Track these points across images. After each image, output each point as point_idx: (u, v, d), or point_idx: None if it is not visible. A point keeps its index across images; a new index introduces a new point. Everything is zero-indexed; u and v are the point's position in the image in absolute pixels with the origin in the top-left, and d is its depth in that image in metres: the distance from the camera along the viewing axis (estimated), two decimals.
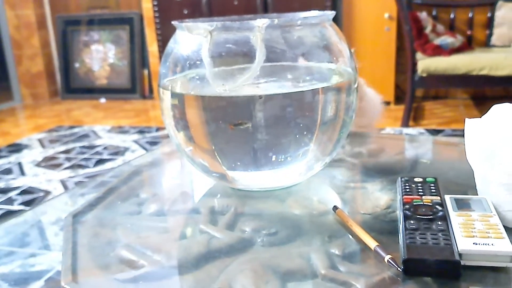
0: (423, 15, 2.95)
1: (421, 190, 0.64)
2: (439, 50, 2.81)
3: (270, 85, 0.67)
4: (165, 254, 0.59)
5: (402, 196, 0.63)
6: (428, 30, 2.91)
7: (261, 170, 0.68)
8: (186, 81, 0.66)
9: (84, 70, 4.27)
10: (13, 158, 2.70)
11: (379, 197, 0.70)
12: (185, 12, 3.51)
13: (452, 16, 3.20)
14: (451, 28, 3.17)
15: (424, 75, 2.78)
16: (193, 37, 0.66)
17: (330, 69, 0.71)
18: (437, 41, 2.87)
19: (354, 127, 1.03)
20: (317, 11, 0.76)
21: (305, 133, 0.66)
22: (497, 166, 0.57)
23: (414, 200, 0.61)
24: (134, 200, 0.76)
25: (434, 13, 3.19)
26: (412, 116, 3.10)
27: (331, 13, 0.70)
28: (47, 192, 2.16)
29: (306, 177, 0.74)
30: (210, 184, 0.79)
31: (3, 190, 2.21)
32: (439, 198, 0.61)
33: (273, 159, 0.66)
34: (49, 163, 2.57)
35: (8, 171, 2.47)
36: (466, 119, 0.62)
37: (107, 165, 2.47)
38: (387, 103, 3.43)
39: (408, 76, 2.86)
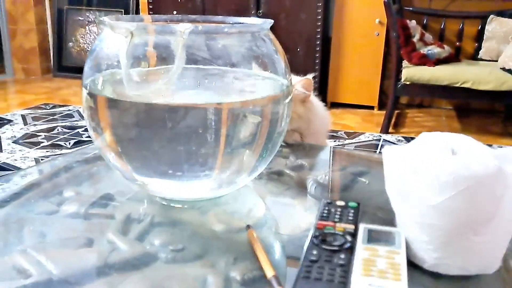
0: (412, 23, 2.92)
1: (338, 216, 0.61)
2: (425, 60, 2.78)
3: (188, 94, 0.64)
4: (58, 264, 0.56)
5: (317, 221, 0.60)
6: (416, 38, 2.88)
7: (180, 180, 0.65)
8: (103, 82, 0.63)
9: (77, 50, 4.22)
10: None
11: (302, 218, 0.68)
12: (179, 0, 3.46)
13: (442, 26, 3.17)
14: (441, 38, 3.14)
15: (408, 83, 2.76)
16: (116, 36, 0.62)
17: (257, 81, 0.68)
18: (424, 50, 2.84)
19: (299, 140, 1.00)
20: (257, 18, 0.72)
21: (223, 146, 0.63)
22: (411, 202, 0.54)
23: (327, 227, 0.58)
24: (56, 198, 0.73)
25: (425, 21, 3.16)
26: (393, 123, 3.09)
27: (267, 22, 0.66)
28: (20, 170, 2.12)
29: (228, 190, 0.71)
30: (135, 190, 0.76)
31: None
32: (353, 227, 0.58)
33: (189, 169, 0.63)
34: (28, 140, 2.54)
35: None
36: (385, 147, 0.59)
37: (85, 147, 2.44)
38: (371, 107, 3.41)
39: (392, 83, 2.84)
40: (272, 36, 0.69)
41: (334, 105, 3.48)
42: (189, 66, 0.62)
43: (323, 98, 3.47)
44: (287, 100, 0.68)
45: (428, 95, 3.06)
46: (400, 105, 3.54)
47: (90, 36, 4.18)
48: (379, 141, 2.76)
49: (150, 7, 3.53)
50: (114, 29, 0.62)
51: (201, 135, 0.60)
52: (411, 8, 3.21)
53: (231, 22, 0.75)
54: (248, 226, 0.62)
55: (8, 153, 2.34)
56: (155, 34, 0.60)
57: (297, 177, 0.83)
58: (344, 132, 2.91)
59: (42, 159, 2.25)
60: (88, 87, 0.64)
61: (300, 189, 0.78)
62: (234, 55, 0.63)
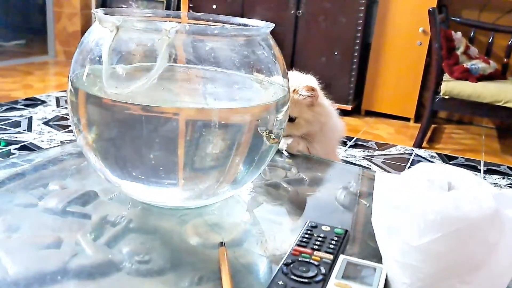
0: (457, 34, 2.79)
1: (319, 243, 0.56)
2: (467, 74, 2.65)
3: (167, 97, 0.60)
4: (16, 263, 0.53)
5: (294, 245, 0.55)
6: (460, 51, 2.75)
7: (154, 186, 0.62)
8: (86, 77, 0.60)
9: None
10: (26, 112, 2.72)
11: (286, 238, 0.63)
12: None
13: (490, 40, 3.02)
14: (487, 53, 2.99)
15: (446, 97, 2.64)
16: (103, 29, 0.59)
17: (243, 88, 0.63)
18: (467, 64, 2.71)
19: (305, 151, 0.95)
20: (259, 21, 0.67)
21: (201, 154, 0.59)
22: (394, 238, 0.48)
23: (303, 254, 0.53)
24: (39, 191, 0.71)
25: (472, 34, 3.02)
26: (428, 138, 2.97)
27: (265, 27, 0.62)
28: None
29: (210, 201, 0.67)
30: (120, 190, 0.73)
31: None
32: (332, 257, 0.53)
33: (162, 176, 0.60)
34: (57, 122, 2.58)
35: (16, 124, 2.49)
36: (377, 173, 0.54)
37: None
38: (407, 119, 3.29)
39: (430, 95, 2.73)
40: (271, 41, 0.64)
41: (368, 113, 3.39)
42: (177, 66, 0.58)
43: (358, 105, 3.38)
44: (284, 109, 0.64)
45: (467, 112, 2.92)
46: (438, 119, 3.41)
47: None
48: (411, 155, 2.66)
49: None
50: (102, 22, 0.59)
51: (176, 141, 0.56)
52: (458, 19, 3.07)
53: (234, 23, 0.70)
54: (221, 243, 0.58)
55: (36, 133, 2.38)
56: (141, 31, 0.57)
57: (293, 192, 0.78)
58: (375, 143, 2.82)
59: (67, 142, 2.28)
60: (71, 80, 0.61)
61: (292, 206, 0.74)
62: (222, 58, 0.58)
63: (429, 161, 2.57)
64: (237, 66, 0.58)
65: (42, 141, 2.29)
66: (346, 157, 2.54)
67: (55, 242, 0.59)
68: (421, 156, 2.64)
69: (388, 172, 2.37)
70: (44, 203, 0.67)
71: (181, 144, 0.57)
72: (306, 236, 0.57)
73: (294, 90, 0.93)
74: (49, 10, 4.32)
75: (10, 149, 2.17)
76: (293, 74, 0.99)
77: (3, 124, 2.48)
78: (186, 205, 0.66)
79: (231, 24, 0.71)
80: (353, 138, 2.87)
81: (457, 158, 2.64)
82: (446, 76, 2.70)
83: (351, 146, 2.72)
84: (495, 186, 2.23)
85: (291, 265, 0.51)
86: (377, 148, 2.73)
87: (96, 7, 4.32)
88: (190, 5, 3.54)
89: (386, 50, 3.21)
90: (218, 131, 0.57)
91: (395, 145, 2.80)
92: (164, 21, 0.65)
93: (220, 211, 0.69)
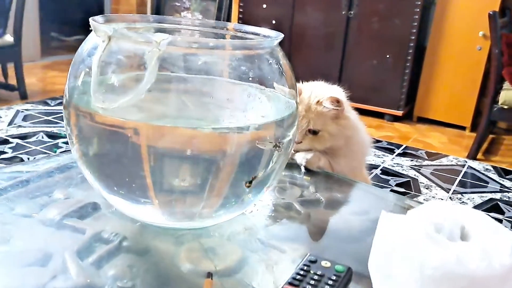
0: None
1: (315, 282, 0.51)
2: None
3: (153, 114, 0.56)
4: None
5: (285, 284, 0.50)
6: None
7: (138, 204, 0.58)
8: (77, 87, 0.57)
9: None
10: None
11: (285, 269, 0.58)
12: None
13: None
14: None
15: (505, 107, 2.47)
16: (97, 38, 0.56)
17: (245, 104, 0.58)
18: None
19: (329, 169, 0.89)
20: (269, 30, 0.62)
21: (186, 177, 0.54)
22: (389, 286, 0.42)
23: None
24: (42, 199, 0.70)
25: None
26: (485, 149, 2.79)
27: (269, 40, 0.57)
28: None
29: (206, 223, 0.62)
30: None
31: (50, 135, 2.30)
32: None
33: (146, 195, 0.56)
34: None
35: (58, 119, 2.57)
36: (382, 212, 0.47)
37: None
38: (462, 128, 3.12)
39: (487, 104, 2.56)
40: (279, 53, 0.59)
41: (420, 120, 3.23)
42: (172, 77, 0.55)
43: (410, 111, 3.24)
44: (274, 131, 0.58)
45: None
46: (497, 129, 3.20)
47: None
48: (463, 167, 2.50)
49: None
50: (96, 31, 0.56)
51: (157, 159, 0.53)
52: None
53: (246, 31, 0.66)
54: (209, 274, 0.53)
55: None
56: (133, 42, 0.53)
57: (305, 214, 0.72)
58: (425, 152, 2.68)
59: None
60: (66, 90, 0.59)
61: (300, 231, 0.68)
62: (218, 73, 0.54)
63: (483, 174, 2.42)
64: (234, 81, 0.54)
65: None
66: (393, 166, 2.43)
67: (43, 258, 0.57)
68: (474, 169, 2.48)
69: (437, 184, 2.24)
70: (43, 214, 0.66)
71: (158, 163, 0.53)
72: (302, 273, 0.52)
73: (318, 102, 0.87)
74: (106, 7, 4.45)
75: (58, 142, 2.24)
76: (318, 85, 0.93)
77: (59, 118, 2.57)
78: (181, 225, 0.63)
79: (243, 32, 0.66)
80: (401, 145, 2.75)
81: None
82: (506, 85, 2.52)
83: (399, 154, 2.61)
84: None
85: None
86: (426, 158, 2.59)
87: (151, 5, 4.40)
88: (241, 4, 3.52)
89: (443, 54, 3.05)
90: (200, 154, 0.53)
91: (447, 155, 2.65)
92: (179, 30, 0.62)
93: (222, 234, 0.65)
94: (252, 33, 0.66)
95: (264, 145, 0.55)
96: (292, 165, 0.88)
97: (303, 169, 0.86)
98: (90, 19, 0.56)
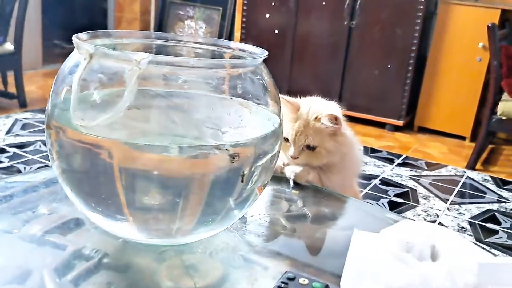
0: None
1: None
2: None
3: (136, 130, 0.57)
4: None
5: None
6: None
7: (112, 220, 0.59)
8: (59, 104, 0.58)
9: None
10: None
11: (263, 287, 0.58)
12: (273, 4, 3.41)
13: None
14: None
15: (504, 118, 2.46)
16: (79, 56, 0.57)
17: (224, 124, 0.59)
18: None
19: (319, 184, 0.89)
20: (256, 48, 0.63)
21: (157, 194, 0.55)
22: None
23: None
24: (25, 214, 0.70)
25: None
26: (484, 159, 2.79)
27: (251, 59, 0.57)
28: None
29: (185, 240, 0.63)
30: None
31: None
32: None
33: (119, 211, 0.56)
34: None
35: None
36: (355, 230, 0.47)
37: None
38: (462, 138, 3.11)
39: (485, 115, 2.56)
40: (263, 70, 0.59)
41: (421, 129, 3.23)
42: (153, 95, 0.55)
43: (410, 121, 3.24)
44: (252, 152, 0.58)
45: None
46: (497, 139, 3.19)
47: (188, 30, 4.29)
48: (462, 177, 2.50)
49: (245, 8, 3.52)
50: (78, 48, 0.57)
51: (134, 178, 0.53)
52: None
53: (229, 47, 0.66)
54: None
55: None
56: (114, 60, 0.54)
57: (290, 229, 0.72)
58: (425, 162, 2.68)
59: None
60: (48, 106, 0.59)
61: (284, 247, 0.68)
62: (199, 92, 0.54)
63: (481, 184, 2.41)
64: (216, 98, 0.54)
65: None
66: (392, 176, 2.42)
67: (21, 275, 0.57)
68: (472, 179, 2.48)
69: (435, 195, 2.24)
70: (25, 229, 0.66)
71: (130, 181, 0.54)
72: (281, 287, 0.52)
73: (316, 118, 0.88)
74: (110, 15, 4.47)
75: None
76: (316, 100, 0.94)
77: None
78: (162, 242, 0.63)
79: (230, 48, 0.67)
80: (401, 155, 2.75)
81: None
82: (505, 96, 2.52)
83: (398, 165, 2.60)
84: None
85: None
86: (426, 168, 2.59)
87: (155, 13, 4.42)
88: (244, 13, 3.53)
89: (443, 64, 3.05)
90: (173, 174, 0.53)
91: (446, 166, 2.65)
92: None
93: (204, 250, 0.65)
94: (239, 50, 0.66)
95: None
96: (281, 179, 0.88)
97: (291, 183, 0.86)
98: (73, 37, 0.57)
